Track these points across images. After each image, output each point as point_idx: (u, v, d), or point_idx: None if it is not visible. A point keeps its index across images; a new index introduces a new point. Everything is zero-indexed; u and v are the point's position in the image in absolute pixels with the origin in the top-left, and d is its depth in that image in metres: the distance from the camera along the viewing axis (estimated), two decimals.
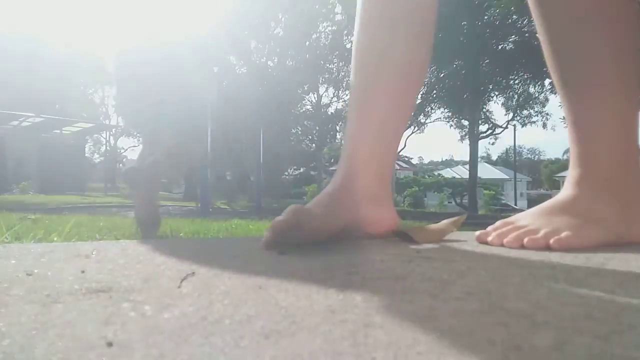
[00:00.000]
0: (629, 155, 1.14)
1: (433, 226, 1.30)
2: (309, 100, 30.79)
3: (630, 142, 1.13)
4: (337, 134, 37.40)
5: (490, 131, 28.98)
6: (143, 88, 2.27)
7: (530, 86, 23.71)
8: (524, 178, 53.78)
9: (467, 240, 1.28)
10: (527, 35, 18.47)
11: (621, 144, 1.13)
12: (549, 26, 1.08)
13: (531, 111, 26.48)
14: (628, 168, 1.13)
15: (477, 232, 1.22)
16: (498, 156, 70.58)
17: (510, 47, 18.66)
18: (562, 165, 63.23)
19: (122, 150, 48.47)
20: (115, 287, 0.68)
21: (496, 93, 22.82)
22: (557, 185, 53.22)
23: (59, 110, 30.18)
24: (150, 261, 0.93)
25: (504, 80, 20.70)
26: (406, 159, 54.55)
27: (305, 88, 27.26)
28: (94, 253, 1.02)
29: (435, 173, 43.69)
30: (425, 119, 29.89)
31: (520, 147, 72.03)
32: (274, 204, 19.43)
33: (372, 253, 1.07)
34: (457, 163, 63.30)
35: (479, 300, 0.61)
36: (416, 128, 30.43)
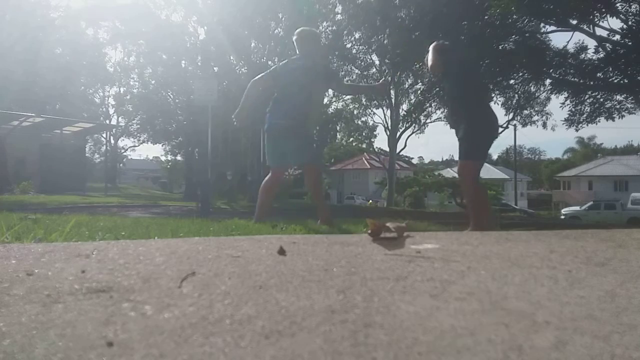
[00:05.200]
0: None
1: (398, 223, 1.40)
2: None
3: None
4: (337, 134, 37.37)
5: None
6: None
7: (531, 86, 23.69)
8: (524, 178, 53.74)
9: (468, 240, 1.28)
10: (527, 35, 18.43)
11: None
12: None
13: (531, 111, 26.47)
14: None
15: None
16: (498, 156, 70.56)
17: (510, 47, 18.62)
18: (563, 165, 63.15)
19: (122, 150, 48.49)
20: (116, 287, 0.68)
21: (496, 93, 22.79)
22: (557, 185, 53.14)
23: (59, 110, 30.16)
24: (150, 261, 0.93)
25: (504, 80, 20.66)
26: (406, 159, 54.53)
27: None
28: (94, 253, 1.02)
29: (436, 173, 43.63)
30: (425, 119, 29.89)
31: (521, 147, 71.99)
32: (274, 203, 19.43)
33: (372, 253, 1.07)
34: (457, 163, 63.11)
35: (479, 300, 0.61)
36: (416, 128, 30.44)
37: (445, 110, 4.09)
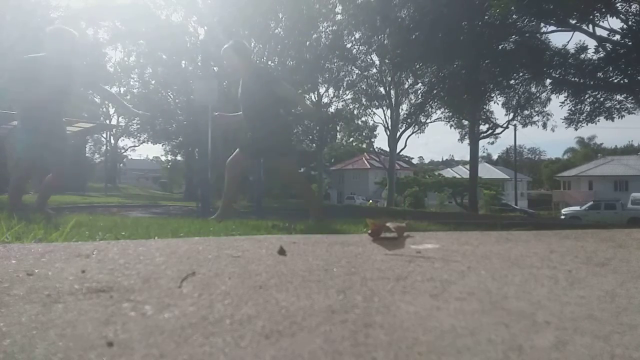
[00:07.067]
0: None
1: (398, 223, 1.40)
2: (309, 100, 30.81)
3: None
4: (338, 133, 37.35)
5: (490, 131, 28.99)
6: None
7: (531, 86, 23.72)
8: (524, 178, 53.73)
9: (468, 240, 1.28)
10: (527, 35, 18.46)
11: None
12: None
13: (532, 111, 26.50)
14: None
15: None
16: (498, 156, 70.51)
17: (511, 47, 18.66)
18: (563, 165, 63.11)
19: (123, 150, 48.49)
20: (116, 287, 0.68)
21: (496, 93, 22.82)
22: (557, 185, 53.12)
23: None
24: (151, 261, 0.93)
25: (504, 80, 20.67)
26: (406, 159, 54.60)
27: (306, 88, 27.28)
28: (94, 253, 1.02)
29: (436, 173, 43.68)
30: (426, 119, 29.90)
31: (521, 147, 72.03)
32: (274, 204, 19.40)
33: (372, 253, 1.07)
34: (457, 163, 63.20)
35: (479, 300, 0.61)
36: (416, 128, 30.45)
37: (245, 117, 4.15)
